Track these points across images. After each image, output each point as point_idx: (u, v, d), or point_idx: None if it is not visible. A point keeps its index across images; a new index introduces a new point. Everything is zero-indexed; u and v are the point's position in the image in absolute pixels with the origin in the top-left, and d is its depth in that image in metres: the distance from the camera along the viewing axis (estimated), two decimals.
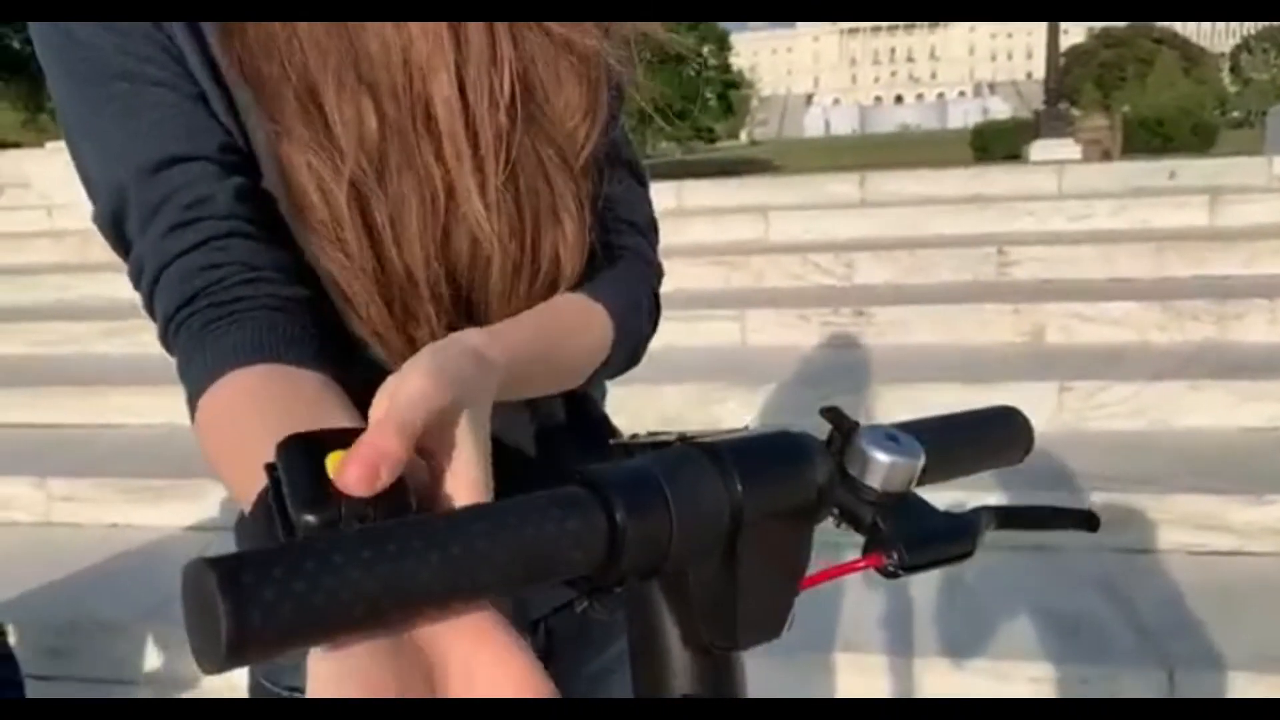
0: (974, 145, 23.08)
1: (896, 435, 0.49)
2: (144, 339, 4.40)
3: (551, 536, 0.39)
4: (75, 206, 6.39)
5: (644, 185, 0.77)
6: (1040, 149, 12.10)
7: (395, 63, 0.59)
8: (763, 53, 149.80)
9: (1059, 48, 16.04)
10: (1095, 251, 4.81)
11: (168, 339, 0.59)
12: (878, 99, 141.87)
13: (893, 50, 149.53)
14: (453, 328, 0.61)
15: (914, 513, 0.48)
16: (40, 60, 0.61)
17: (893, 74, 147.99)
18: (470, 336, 0.49)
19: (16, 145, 12.06)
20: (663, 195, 0.77)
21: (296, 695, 0.69)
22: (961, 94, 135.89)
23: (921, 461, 0.48)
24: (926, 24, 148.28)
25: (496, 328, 0.57)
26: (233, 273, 0.57)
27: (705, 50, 22.80)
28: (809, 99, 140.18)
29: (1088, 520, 0.56)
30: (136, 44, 0.59)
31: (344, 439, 0.39)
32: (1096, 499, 2.77)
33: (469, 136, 0.60)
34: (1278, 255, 4.60)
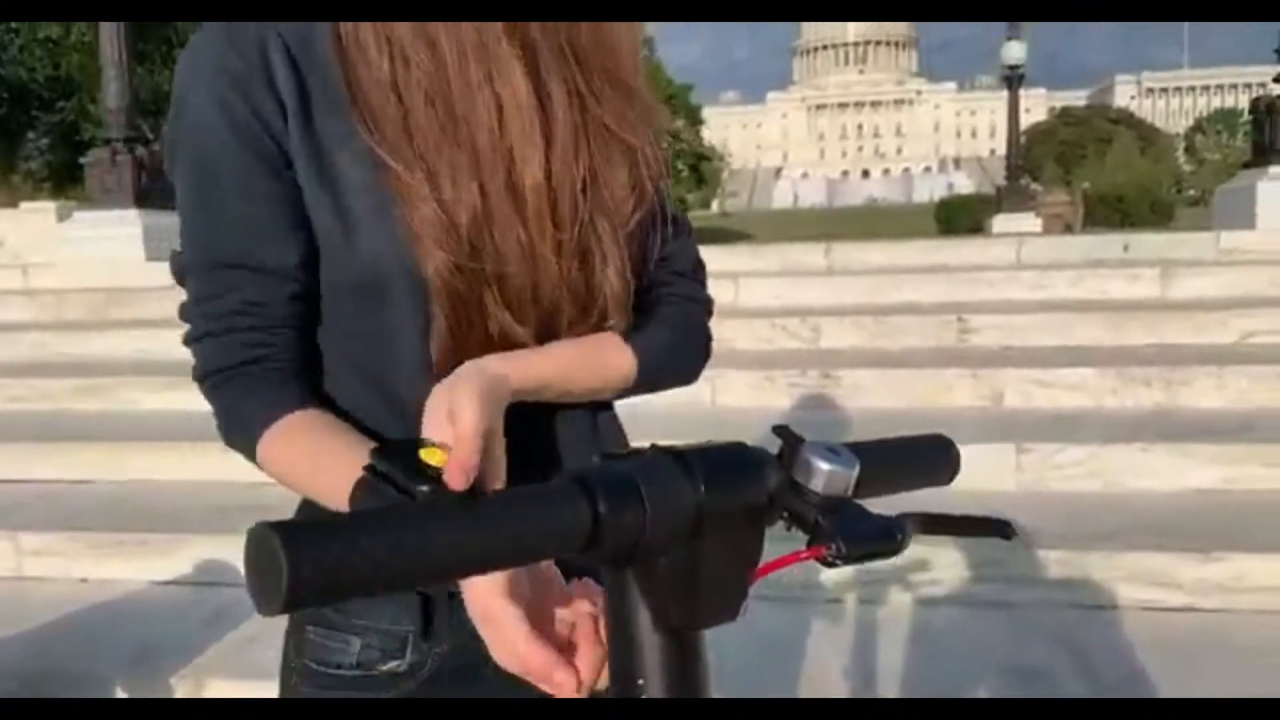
0: (939, 218, 23.59)
1: (837, 449, 0.58)
2: (118, 395, 4.43)
3: (545, 522, 0.48)
4: (50, 266, 6.44)
5: (688, 234, 0.93)
6: (1002, 222, 12.46)
7: (499, 155, 0.76)
8: (733, 127, 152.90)
9: (1019, 125, 16.57)
10: (1052, 320, 4.99)
11: (205, 384, 0.80)
12: (845, 173, 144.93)
13: (860, 126, 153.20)
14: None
15: (851, 514, 0.56)
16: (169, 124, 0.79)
17: (859, 149, 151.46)
18: (491, 364, 0.73)
19: None
20: None
21: (341, 673, 0.82)
22: (927, 169, 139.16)
23: (857, 471, 0.57)
24: (893, 101, 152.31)
25: (517, 355, 0.77)
26: (273, 354, 0.78)
27: (679, 124, 23.31)
28: (778, 172, 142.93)
29: (1002, 529, 0.64)
30: (241, 120, 0.75)
31: (419, 444, 0.60)
32: (1053, 556, 2.86)
33: (551, 211, 0.78)
34: (1224, 325, 4.80)
